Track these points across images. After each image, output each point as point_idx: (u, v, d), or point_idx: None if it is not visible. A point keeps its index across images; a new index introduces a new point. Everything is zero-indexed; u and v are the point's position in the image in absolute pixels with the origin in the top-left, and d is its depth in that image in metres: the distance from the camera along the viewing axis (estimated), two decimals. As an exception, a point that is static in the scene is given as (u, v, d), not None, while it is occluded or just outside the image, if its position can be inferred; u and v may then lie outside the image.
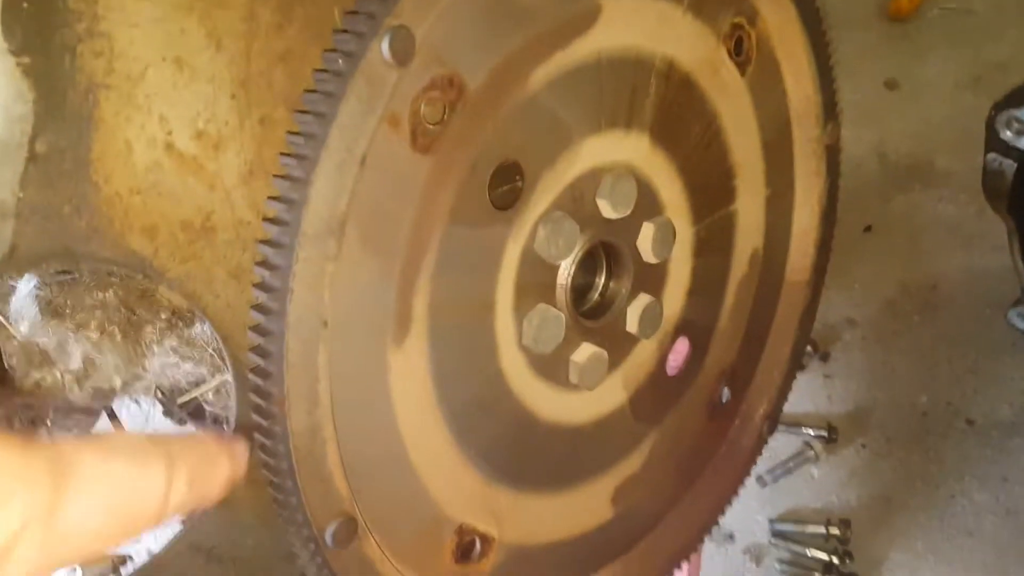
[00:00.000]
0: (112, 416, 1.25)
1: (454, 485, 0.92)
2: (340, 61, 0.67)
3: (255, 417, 0.72)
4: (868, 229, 2.59)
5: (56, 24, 0.59)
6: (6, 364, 1.10)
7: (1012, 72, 2.87)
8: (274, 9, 0.68)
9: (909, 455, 2.17)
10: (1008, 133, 1.92)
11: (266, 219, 0.68)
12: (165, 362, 1.04)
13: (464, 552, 0.94)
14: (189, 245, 0.69)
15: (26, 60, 0.58)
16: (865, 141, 2.80)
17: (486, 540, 0.96)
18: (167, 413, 1.11)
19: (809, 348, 2.34)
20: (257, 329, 0.70)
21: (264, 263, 0.69)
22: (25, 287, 0.97)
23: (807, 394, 2.30)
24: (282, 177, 0.68)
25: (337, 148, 0.68)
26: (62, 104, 0.60)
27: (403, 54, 0.70)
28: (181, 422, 1.12)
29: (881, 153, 2.77)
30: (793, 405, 2.29)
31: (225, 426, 0.99)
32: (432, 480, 0.89)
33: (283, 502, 0.75)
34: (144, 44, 0.63)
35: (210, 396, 1.05)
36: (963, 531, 2.04)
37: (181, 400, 0.98)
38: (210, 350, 1.04)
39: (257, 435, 0.73)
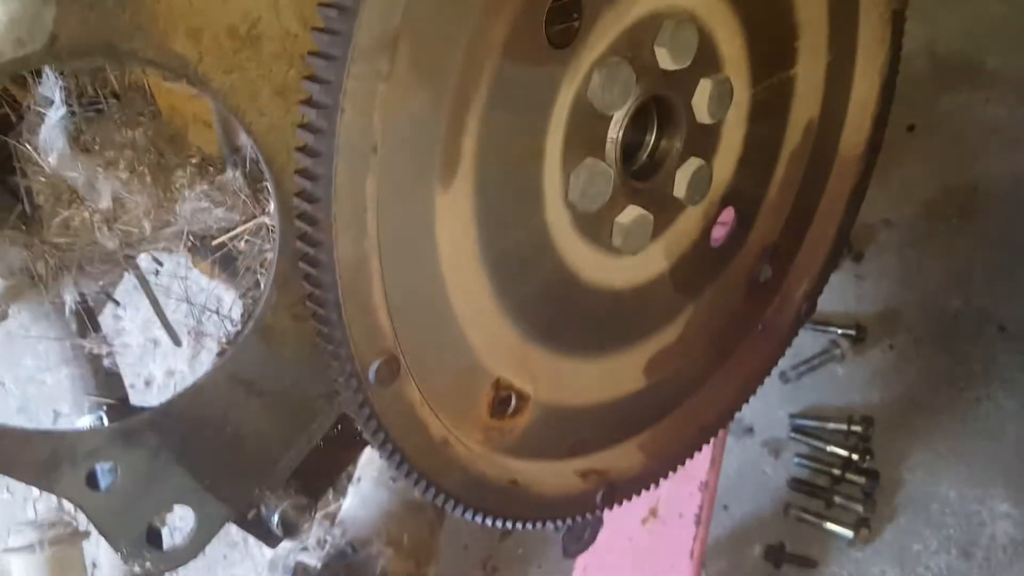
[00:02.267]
0: (135, 270, 1.23)
1: (492, 338, 0.90)
2: None
3: (300, 245, 0.70)
4: (911, 128, 2.51)
5: None
6: (35, 202, 1.07)
7: (1074, -26, 2.73)
8: None
9: (936, 357, 2.15)
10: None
11: (315, 29, 0.64)
12: (196, 207, 1.01)
13: (500, 406, 0.93)
14: (234, 54, 0.65)
15: None
16: (915, 36, 2.65)
17: (521, 397, 0.95)
18: (199, 255, 1.09)
19: (842, 247, 2.30)
20: (305, 150, 0.66)
21: (313, 78, 0.65)
22: (54, 116, 0.93)
23: (837, 293, 2.26)
24: (331, -15, 0.63)
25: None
26: None
27: None
28: (211, 276, 1.09)
29: (931, 50, 2.66)
30: (823, 302, 2.26)
31: (258, 275, 0.97)
32: (472, 329, 0.87)
33: (328, 336, 0.73)
34: None
35: (242, 245, 1.02)
36: (986, 434, 2.03)
37: (215, 243, 0.96)
38: (243, 196, 1.01)
39: (302, 264, 0.70)
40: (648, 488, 1.15)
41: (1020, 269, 2.23)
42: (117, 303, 1.29)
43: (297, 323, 0.76)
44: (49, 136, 0.95)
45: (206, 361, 1.02)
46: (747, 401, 1.29)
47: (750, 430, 2.14)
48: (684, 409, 1.19)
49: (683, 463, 1.20)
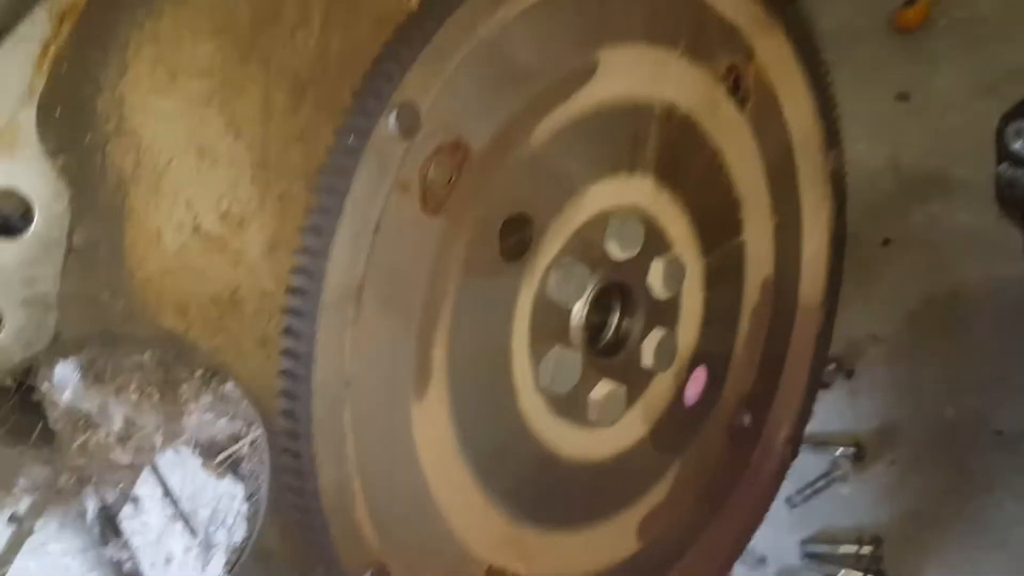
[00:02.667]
0: (155, 472, 1.30)
1: (481, 527, 0.95)
2: (351, 138, 0.72)
3: (286, 477, 0.76)
4: (887, 243, 2.60)
5: (87, 126, 0.64)
6: (52, 427, 1.15)
7: (1025, 79, 2.87)
8: (287, 93, 0.73)
9: (938, 469, 2.16)
10: (1018, 143, 1.94)
11: (289, 290, 0.73)
12: (201, 419, 1.09)
13: (493, 592, 0.97)
14: (219, 319, 0.73)
15: (61, 161, 0.63)
16: (880, 154, 2.80)
17: (515, 579, 1.00)
18: (208, 458, 1.16)
19: (833, 365, 2.35)
20: (285, 393, 0.74)
21: (289, 331, 0.73)
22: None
23: (833, 412, 2.30)
24: (302, 250, 0.72)
25: (352, 219, 0.73)
26: (96, 199, 0.65)
27: (409, 128, 0.74)
28: (220, 476, 1.16)
29: (896, 166, 2.78)
30: (820, 423, 2.30)
31: (260, 480, 1.03)
32: (459, 522, 0.92)
33: (318, 555, 0.78)
34: (168, 137, 0.67)
35: (245, 450, 1.09)
36: (995, 543, 2.02)
37: (219, 458, 1.03)
38: (244, 405, 1.08)
39: (289, 493, 0.77)
40: (653, 650, 1.18)
41: (1010, 372, 2.27)
42: (135, 502, 1.35)
43: (290, 543, 0.82)
44: (63, 375, 1.03)
45: (216, 566, 1.08)
46: (745, 546, 1.32)
47: (763, 560, 2.13)
48: (682, 564, 1.23)
49: (686, 619, 1.23)
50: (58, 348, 0.65)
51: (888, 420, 2.28)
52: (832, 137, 1.20)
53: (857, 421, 2.30)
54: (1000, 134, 1.97)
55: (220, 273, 0.72)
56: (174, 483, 1.25)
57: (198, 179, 0.69)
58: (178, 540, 1.65)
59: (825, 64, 1.15)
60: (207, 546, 1.10)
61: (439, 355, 0.86)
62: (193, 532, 1.40)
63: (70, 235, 0.64)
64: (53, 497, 1.26)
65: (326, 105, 0.75)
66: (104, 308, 0.66)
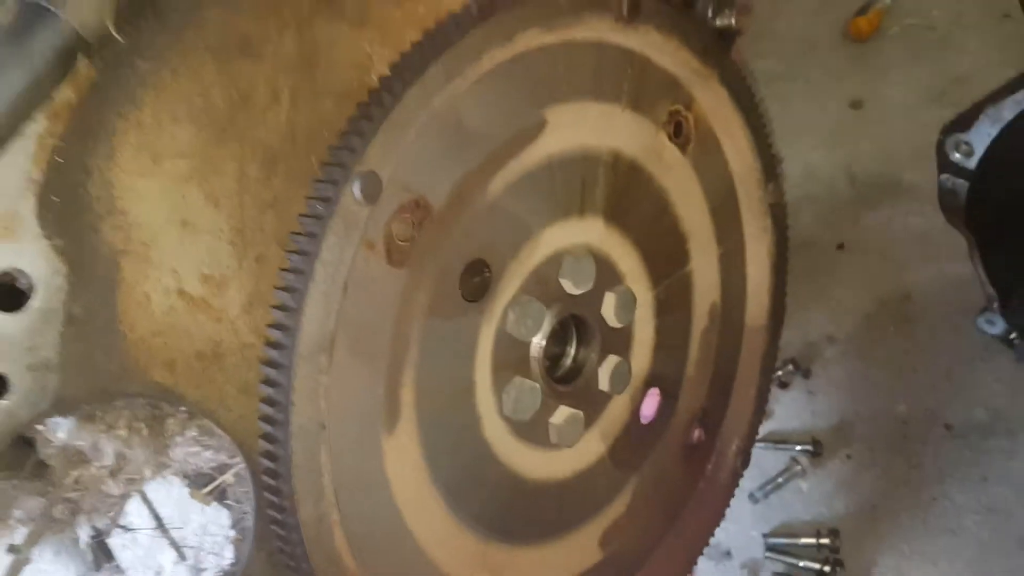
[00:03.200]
0: (145, 500, 1.37)
1: (452, 548, 1.03)
2: (319, 206, 0.79)
3: (269, 511, 0.84)
4: (841, 247, 2.70)
5: (81, 209, 0.71)
6: (46, 463, 1.22)
7: (974, 85, 2.97)
8: (260, 166, 0.80)
9: (892, 462, 2.27)
10: (957, 155, 2.05)
11: (267, 343, 0.80)
12: (187, 451, 1.16)
13: (465, 606, 1.06)
14: (203, 372, 0.80)
15: (59, 242, 0.70)
16: (834, 162, 2.91)
17: (484, 593, 1.08)
18: (195, 487, 1.23)
19: (791, 366, 2.45)
20: (265, 437, 0.81)
21: (267, 381, 0.80)
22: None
23: (792, 411, 2.41)
24: (277, 307, 0.80)
25: (322, 279, 0.80)
26: (91, 272, 0.72)
27: (372, 194, 0.82)
28: (206, 503, 1.23)
29: (850, 173, 2.89)
30: (779, 422, 2.41)
31: (245, 508, 1.10)
32: (431, 545, 1.00)
33: (299, 582, 0.86)
34: (154, 213, 0.75)
35: (230, 480, 1.16)
36: (946, 531, 2.13)
37: (207, 489, 1.10)
38: (228, 438, 1.16)
39: (272, 526, 0.84)
40: (617, 651, 1.26)
41: (958, 369, 2.38)
42: (125, 529, 1.42)
43: (275, 570, 0.89)
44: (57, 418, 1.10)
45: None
46: (701, 552, 1.41)
47: (728, 554, 2.23)
48: (643, 572, 1.31)
49: (648, 620, 1.32)
50: (57, 407, 0.72)
51: (844, 417, 2.39)
52: (769, 172, 1.29)
53: (814, 419, 2.40)
54: (940, 145, 2.08)
55: (203, 330, 0.80)
56: (164, 511, 1.32)
57: (181, 248, 0.77)
58: (167, 556, 1.73)
59: (760, 106, 1.24)
60: (196, 570, 1.17)
61: (407, 393, 0.94)
62: (182, 556, 1.48)
63: (67, 306, 0.71)
64: (48, 526, 1.33)
65: (296, 175, 0.82)
66: (100, 368, 0.74)
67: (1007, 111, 1.93)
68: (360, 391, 0.88)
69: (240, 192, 0.79)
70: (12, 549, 1.32)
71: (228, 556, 1.11)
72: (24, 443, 1.30)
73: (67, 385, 0.72)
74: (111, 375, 0.75)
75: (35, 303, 0.70)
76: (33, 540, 1.33)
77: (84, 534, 1.40)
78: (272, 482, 0.82)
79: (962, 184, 2.07)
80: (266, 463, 0.82)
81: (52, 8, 0.61)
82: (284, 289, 0.79)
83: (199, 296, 0.79)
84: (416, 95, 0.84)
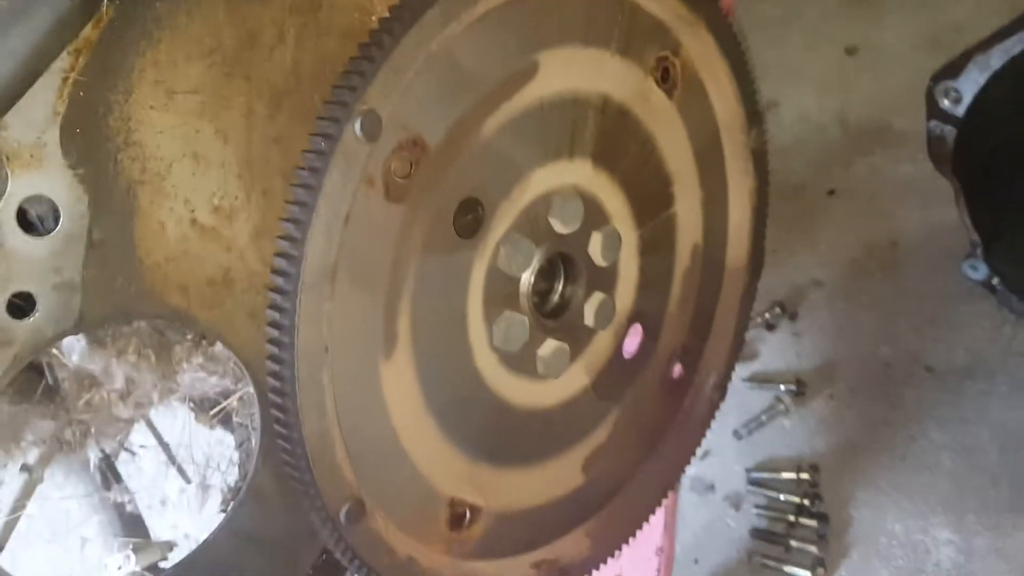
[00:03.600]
0: (150, 425, 1.44)
1: (443, 466, 1.10)
2: (322, 143, 0.85)
3: (275, 427, 0.91)
4: (832, 193, 2.76)
5: (101, 141, 0.76)
6: (60, 387, 1.29)
7: (968, 32, 2.99)
8: (266, 103, 0.85)
9: (873, 403, 2.36)
10: (946, 102, 2.08)
11: (273, 271, 0.86)
12: (194, 377, 1.23)
13: (456, 521, 1.13)
14: (214, 296, 0.86)
15: (80, 171, 0.75)
16: (828, 108, 2.95)
17: (474, 509, 1.15)
18: (201, 412, 1.30)
19: (778, 309, 2.53)
20: (272, 358, 0.88)
21: (274, 306, 0.86)
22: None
23: (778, 351, 2.49)
24: (283, 237, 0.85)
25: (324, 212, 0.86)
26: (110, 200, 0.77)
27: (372, 131, 0.87)
28: (212, 427, 1.31)
29: (843, 119, 2.92)
30: (765, 362, 2.50)
31: (250, 430, 1.18)
32: (424, 463, 1.08)
33: (304, 492, 0.93)
34: (168, 146, 0.80)
35: (235, 404, 1.23)
36: (923, 468, 2.23)
37: (212, 412, 1.17)
38: (232, 364, 1.23)
39: (278, 440, 0.91)
40: (598, 568, 1.35)
41: (941, 314, 2.46)
42: (133, 454, 1.50)
43: (280, 483, 0.97)
44: (70, 341, 1.16)
45: (213, 505, 1.23)
46: (679, 479, 1.49)
47: (711, 487, 2.33)
48: (622, 495, 1.39)
49: (627, 542, 1.40)
50: (82, 327, 0.78)
51: (828, 359, 2.47)
52: (753, 118, 1.33)
53: (799, 360, 2.49)
54: (930, 93, 2.12)
55: (214, 258, 0.86)
56: (171, 435, 1.39)
57: (194, 180, 0.82)
58: (172, 484, 1.82)
59: (745, 53, 1.28)
60: (203, 487, 1.25)
61: (404, 322, 1.00)
62: (186, 477, 1.55)
63: (89, 231, 0.77)
64: (59, 448, 1.41)
65: (300, 112, 0.87)
66: (119, 290, 0.80)
67: (995, 59, 1.96)
68: (360, 318, 0.94)
69: (248, 128, 0.84)
70: (24, 469, 1.40)
71: (233, 475, 1.18)
72: (34, 369, 1.38)
73: (89, 305, 0.78)
74: (129, 297, 0.81)
75: (59, 228, 0.75)
76: (45, 461, 1.41)
77: (94, 456, 1.47)
78: (279, 400, 0.88)
79: (950, 131, 2.11)
80: (273, 382, 0.88)
81: (74, -49, 0.66)
82: (289, 220, 0.85)
83: (210, 226, 0.84)
84: (414, 37, 0.89)
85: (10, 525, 1.31)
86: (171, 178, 0.81)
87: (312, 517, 0.95)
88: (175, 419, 1.36)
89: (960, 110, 2.06)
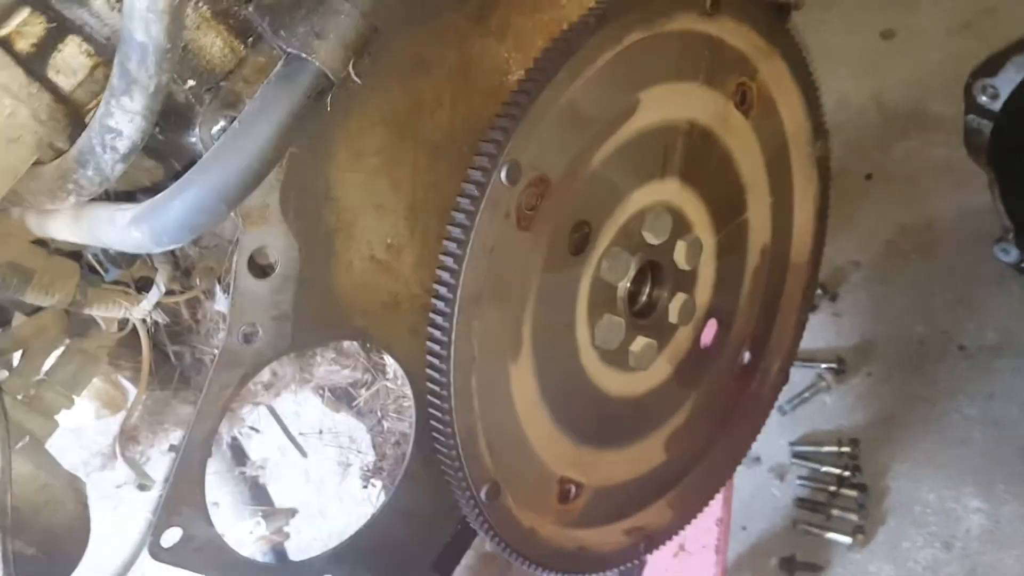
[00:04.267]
0: (271, 411, 1.63)
1: (555, 450, 1.28)
2: (474, 190, 1.01)
3: (432, 423, 1.09)
4: (869, 177, 2.89)
5: (308, 199, 0.92)
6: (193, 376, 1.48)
7: (1001, 15, 3.10)
8: (427, 157, 1.01)
9: (908, 379, 2.52)
10: (984, 98, 2.21)
11: (434, 296, 1.03)
12: (328, 369, 1.41)
13: (564, 496, 1.31)
14: (385, 317, 1.03)
15: (294, 224, 0.92)
16: (865, 92, 3.06)
17: (578, 485, 1.33)
18: (331, 400, 1.49)
19: (820, 290, 2.68)
20: (431, 367, 1.05)
21: (434, 325, 1.04)
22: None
23: (819, 331, 2.64)
24: (442, 268, 1.03)
25: (476, 246, 1.03)
26: (313, 246, 0.94)
27: (514, 177, 1.03)
28: (337, 411, 1.49)
29: (880, 102, 3.04)
30: (807, 342, 2.64)
31: (379, 419, 1.36)
32: (540, 448, 1.25)
33: (452, 476, 1.12)
34: (356, 199, 0.96)
35: (365, 393, 1.41)
36: (955, 441, 2.39)
37: (353, 405, 1.35)
38: (361, 359, 1.40)
39: (435, 434, 1.09)
40: (677, 534, 1.53)
41: (973, 294, 2.60)
42: (258, 431, 1.69)
43: (429, 468, 1.15)
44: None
45: (353, 481, 1.42)
46: (746, 455, 1.67)
47: (758, 459, 2.51)
48: (698, 471, 1.57)
49: (702, 511, 1.58)
50: (293, 347, 0.96)
51: (866, 337, 2.62)
52: (818, 130, 1.48)
53: (839, 338, 2.64)
54: (968, 88, 2.24)
55: (386, 286, 1.03)
56: (307, 419, 1.58)
57: (374, 225, 0.99)
58: (292, 463, 1.98)
59: (813, 74, 1.43)
60: (344, 465, 1.44)
61: (527, 330, 1.17)
62: (302, 452, 1.75)
63: (300, 272, 0.94)
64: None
65: (453, 162, 1.04)
66: (319, 317, 0.97)
67: (1032, 60, 2.08)
68: (496, 331, 1.11)
69: (413, 178, 1.01)
70: (172, 449, 1.60)
71: (370, 455, 1.37)
72: (167, 360, 1.57)
73: (298, 331, 0.96)
74: (326, 323, 0.98)
75: (277, 271, 0.93)
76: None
77: (226, 436, 1.66)
78: (437, 401, 1.06)
79: (987, 124, 2.23)
80: (432, 387, 1.06)
81: (308, 57, 0.82)
82: (447, 254, 1.02)
83: (384, 260, 1.01)
84: (547, 95, 1.04)
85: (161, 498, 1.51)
86: (358, 224, 0.98)
87: (458, 496, 1.14)
88: (307, 405, 1.54)
89: (996, 105, 2.18)
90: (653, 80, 1.21)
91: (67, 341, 1.39)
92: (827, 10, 3.22)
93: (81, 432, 1.59)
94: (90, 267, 1.31)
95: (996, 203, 2.40)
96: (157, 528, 0.94)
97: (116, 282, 1.35)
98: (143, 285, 1.36)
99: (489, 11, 1.03)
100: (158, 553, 0.95)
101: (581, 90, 1.10)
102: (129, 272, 1.36)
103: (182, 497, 0.95)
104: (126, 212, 0.88)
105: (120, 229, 0.89)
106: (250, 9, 0.82)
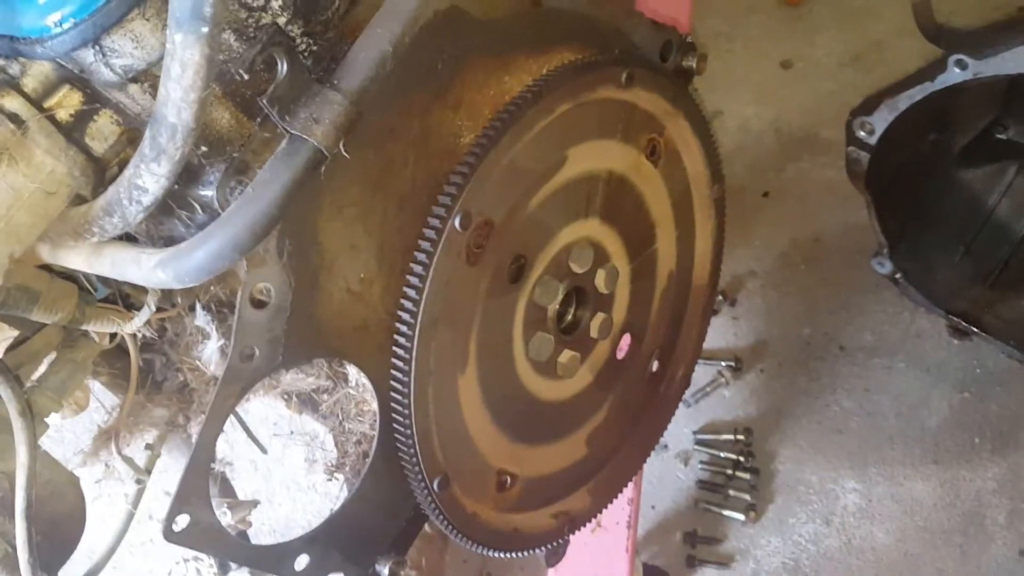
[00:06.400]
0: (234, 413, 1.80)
1: (494, 446, 1.51)
2: (433, 234, 1.23)
3: (394, 425, 1.30)
4: (766, 195, 3.20)
5: (300, 243, 1.12)
6: (188, 385, 1.65)
7: (887, 48, 3.45)
8: (395, 206, 1.22)
9: (796, 376, 2.84)
10: (862, 133, 2.53)
11: (398, 320, 1.25)
12: (295, 376, 1.60)
13: (501, 485, 1.54)
14: (357, 338, 1.24)
15: (287, 265, 1.12)
16: (764, 117, 3.38)
17: (513, 476, 1.56)
18: (294, 404, 1.68)
19: (720, 296, 2.98)
20: (395, 379, 1.27)
21: (398, 344, 1.25)
22: (213, 345, 1.51)
23: (719, 333, 2.94)
24: (405, 298, 1.24)
25: (434, 280, 1.24)
26: (302, 282, 1.14)
27: (466, 224, 1.25)
28: (300, 413, 1.69)
29: (777, 128, 3.36)
30: (709, 342, 2.95)
31: (341, 421, 1.56)
32: (482, 445, 1.48)
33: (410, 469, 1.33)
34: (337, 242, 1.16)
35: (329, 401, 1.61)
36: (834, 430, 2.72)
37: (321, 408, 1.55)
38: (324, 368, 1.60)
39: (396, 435, 1.31)
40: (596, 516, 1.79)
41: (854, 300, 2.94)
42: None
43: (389, 462, 1.36)
44: (209, 355, 1.53)
45: (317, 475, 1.61)
46: (654, 448, 1.93)
47: (665, 447, 2.80)
48: (613, 462, 1.81)
49: (617, 496, 1.84)
50: (282, 365, 1.16)
51: (760, 338, 2.93)
52: (716, 175, 1.74)
53: (737, 339, 2.95)
54: (849, 125, 2.56)
55: (358, 312, 1.24)
56: (272, 421, 1.76)
57: (350, 263, 1.20)
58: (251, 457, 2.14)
59: (711, 130, 1.69)
60: (310, 461, 1.63)
61: (472, 346, 1.40)
62: (262, 449, 1.93)
63: (291, 303, 1.14)
64: (171, 429, 1.78)
65: (416, 210, 1.25)
66: (305, 339, 1.17)
67: (901, 103, 2.40)
68: (449, 348, 1.33)
69: (383, 224, 1.22)
70: (148, 447, 1.77)
71: (333, 451, 1.57)
72: (147, 367, 1.74)
73: (287, 352, 1.16)
74: (309, 344, 1.19)
75: (272, 303, 1.13)
76: (160, 440, 1.78)
77: (195, 433, 1.83)
78: (399, 408, 1.28)
79: (864, 155, 2.55)
80: (395, 395, 1.27)
81: (308, 138, 1.02)
82: (410, 287, 1.23)
83: (357, 291, 1.22)
84: (493, 156, 1.27)
85: (140, 491, 1.68)
86: (337, 263, 1.18)
87: (414, 486, 1.36)
88: (271, 407, 1.73)
89: (873, 139, 2.50)
90: (579, 139, 1.45)
91: (54, 352, 1.55)
92: (732, 41, 3.53)
93: (61, 431, 1.75)
94: (80, 286, 1.48)
95: (873, 221, 2.74)
96: (170, 515, 1.13)
97: (104, 299, 1.53)
98: (128, 302, 1.54)
99: (447, 89, 1.25)
100: (170, 535, 1.14)
101: (520, 150, 1.33)
102: (117, 290, 1.53)
103: (191, 489, 1.15)
104: (152, 256, 1.07)
105: (146, 270, 1.08)
106: (263, 101, 1.02)
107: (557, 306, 1.52)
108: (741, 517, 2.61)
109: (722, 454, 2.73)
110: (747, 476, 2.68)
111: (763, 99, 3.40)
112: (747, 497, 2.64)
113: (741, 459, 2.71)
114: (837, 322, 2.90)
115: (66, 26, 0.98)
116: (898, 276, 2.78)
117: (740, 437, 2.74)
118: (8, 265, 1.10)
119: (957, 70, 2.19)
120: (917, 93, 2.34)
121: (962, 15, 2.17)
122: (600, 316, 1.61)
